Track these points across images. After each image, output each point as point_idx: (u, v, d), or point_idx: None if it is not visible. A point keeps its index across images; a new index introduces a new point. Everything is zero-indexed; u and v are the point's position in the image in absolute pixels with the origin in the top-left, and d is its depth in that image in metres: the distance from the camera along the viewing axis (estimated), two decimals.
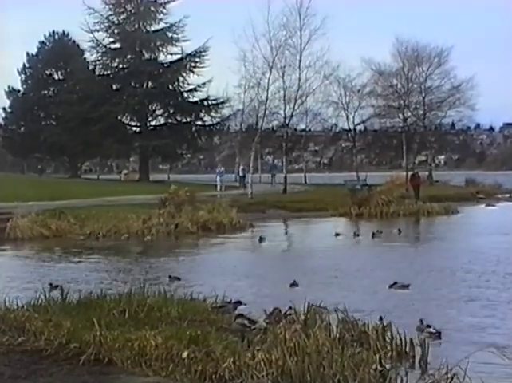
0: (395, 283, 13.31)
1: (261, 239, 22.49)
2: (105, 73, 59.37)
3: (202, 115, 58.10)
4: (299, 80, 44.78)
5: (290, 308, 9.98)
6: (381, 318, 9.31)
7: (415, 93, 56.81)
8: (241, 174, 51.67)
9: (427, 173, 55.42)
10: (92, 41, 57.36)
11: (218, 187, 45.79)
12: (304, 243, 23.75)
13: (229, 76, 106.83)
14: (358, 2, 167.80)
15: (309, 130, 62.94)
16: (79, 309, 9.48)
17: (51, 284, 13.08)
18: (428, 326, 9.32)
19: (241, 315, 9.10)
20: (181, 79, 57.76)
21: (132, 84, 57.64)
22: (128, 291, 10.42)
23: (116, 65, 58.73)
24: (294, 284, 13.60)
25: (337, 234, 23.65)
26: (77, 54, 60.88)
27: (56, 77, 64.09)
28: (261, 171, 60.83)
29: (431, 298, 12.54)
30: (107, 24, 57.56)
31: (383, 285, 13.43)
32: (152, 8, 57.58)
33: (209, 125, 58.66)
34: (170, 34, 57.85)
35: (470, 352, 7.62)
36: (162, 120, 59.59)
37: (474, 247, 20.11)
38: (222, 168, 49.74)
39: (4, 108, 64.85)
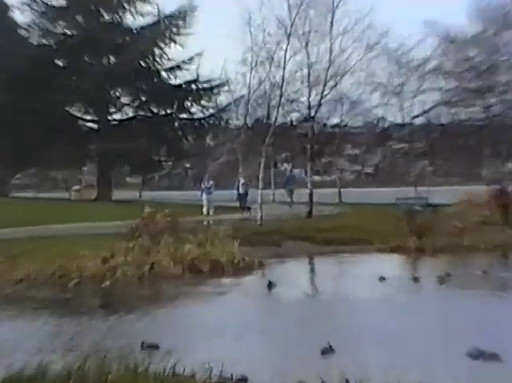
0: (480, 352, 13.19)
1: (270, 285, 22.65)
2: (44, 41, 59.53)
3: (188, 104, 58.44)
4: (330, 52, 45.22)
5: None
6: None
7: (504, 70, 56.83)
8: (241, 191, 51.73)
9: None
10: None
11: (205, 210, 45.84)
12: (337, 292, 23.64)
13: (228, 48, 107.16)
14: None
15: (345, 125, 63.36)
16: None
17: None
18: None
19: None
20: (157, 52, 58.15)
21: (86, 59, 57.89)
22: (79, 365, 10.33)
23: (60, 30, 58.96)
24: (328, 349, 13.59)
25: (383, 278, 23.71)
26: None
27: None
28: (275, 185, 60.93)
29: None
30: None
31: (459, 353, 13.35)
32: None
33: (199, 119, 58.91)
34: None
35: None
36: (130, 113, 60.03)
37: None
38: (211, 183, 49.74)
39: None
